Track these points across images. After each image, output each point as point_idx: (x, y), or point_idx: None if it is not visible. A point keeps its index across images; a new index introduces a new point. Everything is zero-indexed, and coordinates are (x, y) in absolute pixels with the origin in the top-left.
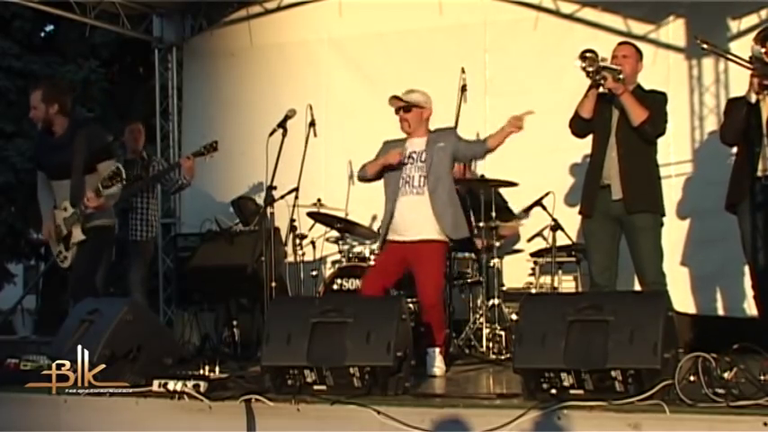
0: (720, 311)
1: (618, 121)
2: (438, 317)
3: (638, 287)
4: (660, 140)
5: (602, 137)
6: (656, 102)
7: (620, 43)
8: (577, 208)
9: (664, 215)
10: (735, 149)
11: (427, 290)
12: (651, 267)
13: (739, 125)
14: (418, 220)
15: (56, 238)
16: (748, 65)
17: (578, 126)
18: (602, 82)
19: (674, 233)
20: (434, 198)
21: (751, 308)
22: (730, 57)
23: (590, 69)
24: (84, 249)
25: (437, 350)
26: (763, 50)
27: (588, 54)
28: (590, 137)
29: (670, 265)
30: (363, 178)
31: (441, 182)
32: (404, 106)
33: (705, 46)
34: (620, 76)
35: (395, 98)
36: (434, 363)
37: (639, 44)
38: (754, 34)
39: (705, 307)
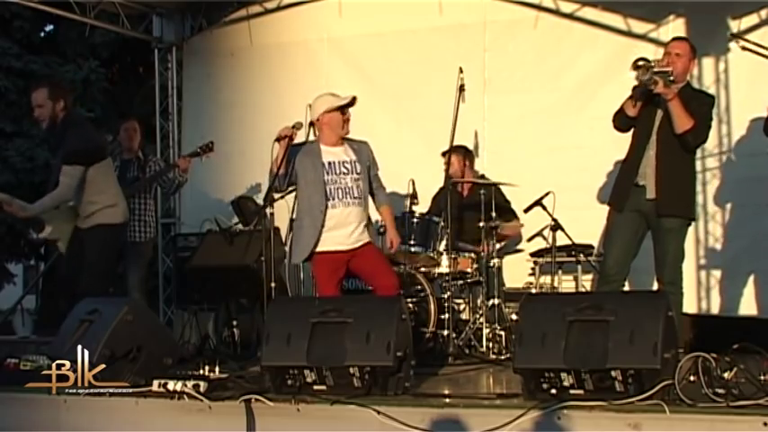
0: (720, 311)
1: (660, 121)
2: None
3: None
4: None
5: (643, 134)
6: (702, 106)
7: (675, 39)
8: (579, 207)
9: (693, 219)
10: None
11: (392, 278)
12: (671, 268)
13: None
14: (360, 227)
15: None
16: None
17: (621, 122)
18: (652, 87)
19: None
20: (366, 207)
21: (750, 308)
22: None
23: (644, 78)
24: (84, 250)
25: None
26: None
27: (641, 63)
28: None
29: None
30: (279, 189)
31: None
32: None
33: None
34: (671, 78)
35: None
36: None
37: (639, 43)
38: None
39: (706, 307)
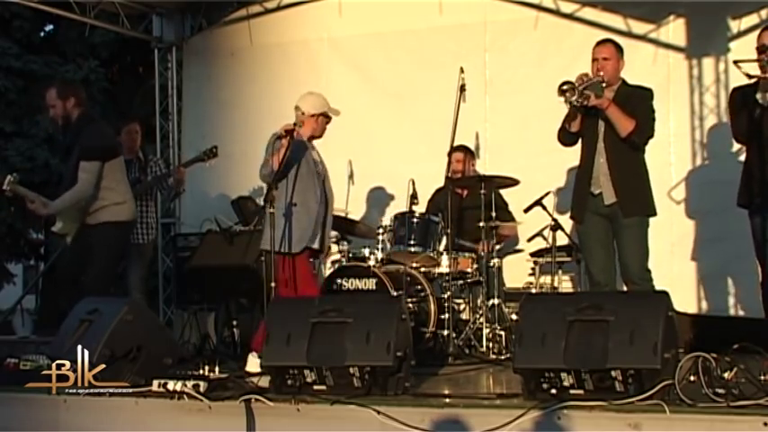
0: (720, 311)
1: (605, 128)
2: None
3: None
4: (660, 141)
5: (590, 144)
6: (642, 102)
7: (599, 43)
8: None
9: (654, 215)
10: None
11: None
12: (635, 264)
13: (747, 125)
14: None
15: None
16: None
17: (566, 137)
18: (585, 103)
19: (674, 233)
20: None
21: (750, 308)
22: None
23: (572, 99)
24: (90, 245)
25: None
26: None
27: (565, 86)
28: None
29: (671, 265)
30: (275, 179)
31: None
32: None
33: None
34: (603, 86)
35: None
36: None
37: (640, 44)
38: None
39: (706, 306)
